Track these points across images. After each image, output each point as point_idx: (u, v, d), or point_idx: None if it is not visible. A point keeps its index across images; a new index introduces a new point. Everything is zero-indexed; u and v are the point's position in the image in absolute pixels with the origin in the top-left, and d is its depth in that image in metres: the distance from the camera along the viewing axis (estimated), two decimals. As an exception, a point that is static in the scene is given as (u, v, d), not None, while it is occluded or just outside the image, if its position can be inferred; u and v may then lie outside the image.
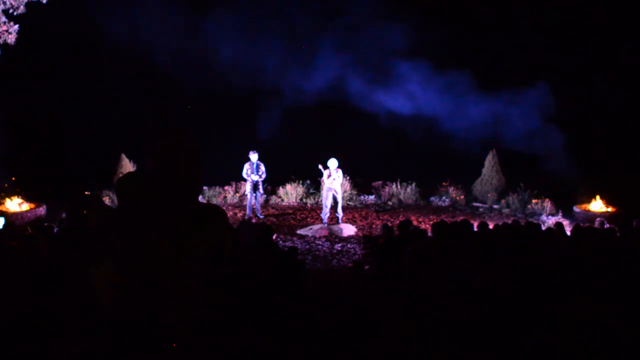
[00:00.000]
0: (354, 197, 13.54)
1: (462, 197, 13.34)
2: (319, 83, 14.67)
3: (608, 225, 8.42)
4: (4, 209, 11.02)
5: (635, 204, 10.43)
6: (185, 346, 2.13)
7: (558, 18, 14.38)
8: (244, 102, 16.54)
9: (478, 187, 13.43)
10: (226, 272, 2.24)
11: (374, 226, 11.08)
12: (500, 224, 8.19)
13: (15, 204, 11.22)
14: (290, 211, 12.70)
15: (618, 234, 7.18)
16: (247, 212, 11.49)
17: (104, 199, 12.27)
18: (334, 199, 10.62)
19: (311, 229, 10.62)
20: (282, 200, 13.65)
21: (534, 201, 12.04)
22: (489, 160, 13.37)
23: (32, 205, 11.44)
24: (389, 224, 10.52)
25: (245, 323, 3.52)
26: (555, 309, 3.92)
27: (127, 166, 13.24)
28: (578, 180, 12.01)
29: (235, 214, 12.21)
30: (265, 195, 13.18)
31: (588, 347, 3.47)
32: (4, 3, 9.15)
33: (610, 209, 11.29)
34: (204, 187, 13.42)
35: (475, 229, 7.78)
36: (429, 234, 7.95)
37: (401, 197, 13.66)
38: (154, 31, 13.71)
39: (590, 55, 14.58)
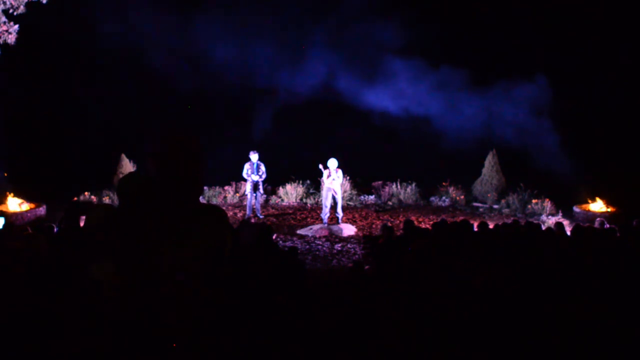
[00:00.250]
0: (354, 197, 13.55)
1: (462, 197, 13.34)
2: (319, 83, 14.68)
3: (608, 225, 8.42)
4: (4, 209, 11.02)
5: (635, 204, 10.43)
6: (185, 346, 2.13)
7: (558, 18, 14.38)
8: (244, 102, 16.55)
9: (478, 187, 13.43)
10: (226, 272, 2.24)
11: (374, 226, 11.08)
12: (500, 224, 8.20)
13: (15, 204, 11.22)
14: (290, 211, 12.70)
15: (618, 234, 7.18)
16: (247, 212, 11.49)
17: (103, 198, 12.28)
18: (334, 199, 10.62)
19: (311, 229, 10.62)
20: (282, 200, 13.66)
21: (534, 201, 12.04)
22: (489, 160, 13.37)
23: (32, 205, 11.44)
24: (389, 224, 10.53)
25: (245, 323, 3.52)
26: (555, 309, 3.92)
27: (127, 166, 13.24)
28: (578, 180, 12.01)
29: (235, 214, 12.21)
30: (265, 195, 13.18)
31: (588, 347, 3.47)
32: (4, 3, 9.15)
33: (610, 209, 11.29)
34: (204, 187, 13.41)
35: (475, 229, 7.79)
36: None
37: (401, 197, 13.66)
38: (153, 31, 13.73)
39: (590, 55, 14.58)
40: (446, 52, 14.63)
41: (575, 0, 14.23)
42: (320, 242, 9.78)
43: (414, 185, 13.78)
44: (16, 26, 9.41)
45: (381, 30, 14.48)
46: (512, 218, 11.43)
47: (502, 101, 14.08)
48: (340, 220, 10.86)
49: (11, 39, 9.38)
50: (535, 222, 8.75)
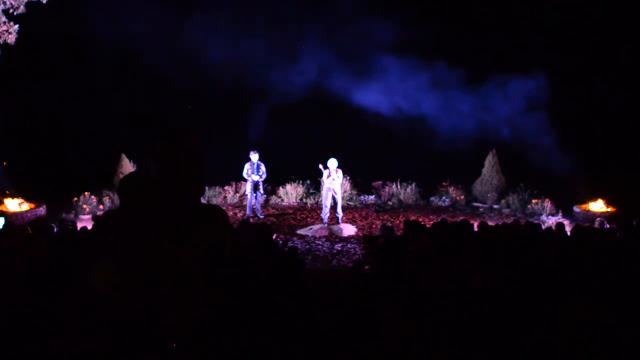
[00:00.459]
0: (354, 197, 13.55)
1: (462, 197, 13.35)
2: (319, 83, 14.68)
3: (608, 226, 8.43)
4: (4, 209, 11.02)
5: (635, 204, 10.43)
6: (185, 346, 2.13)
7: (558, 18, 14.38)
8: (245, 101, 16.55)
9: (478, 187, 13.43)
10: (226, 272, 2.24)
11: (374, 226, 11.08)
12: (500, 224, 8.21)
13: (15, 204, 11.23)
14: (290, 211, 12.70)
15: (618, 234, 7.18)
16: (247, 212, 11.49)
17: (103, 198, 12.28)
18: (334, 199, 10.62)
19: (311, 229, 10.62)
20: (282, 200, 13.66)
21: (534, 201, 12.04)
22: (489, 160, 13.37)
23: (32, 205, 11.44)
24: (389, 224, 10.54)
25: (245, 323, 3.52)
26: (555, 309, 3.92)
27: (127, 166, 13.24)
28: (578, 180, 12.01)
29: (235, 214, 12.21)
30: (265, 195, 13.18)
31: (588, 347, 3.47)
32: (4, 3, 9.15)
33: (610, 209, 11.29)
34: (205, 188, 13.40)
35: (475, 229, 7.79)
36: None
37: (401, 197, 13.66)
38: (153, 31, 13.73)
39: (590, 55, 14.58)
40: (446, 52, 14.62)
41: (575, 0, 14.23)
42: (320, 242, 9.79)
43: (414, 185, 13.78)
44: (16, 26, 9.40)
45: (380, 29, 14.47)
46: (512, 218, 11.46)
47: (502, 101, 14.08)
48: (340, 220, 10.86)
49: (11, 39, 9.38)
50: (536, 222, 8.76)
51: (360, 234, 10.39)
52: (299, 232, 10.60)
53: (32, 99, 15.46)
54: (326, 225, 10.69)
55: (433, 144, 14.63)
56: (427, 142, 14.77)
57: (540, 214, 11.56)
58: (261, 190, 11.55)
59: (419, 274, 5.05)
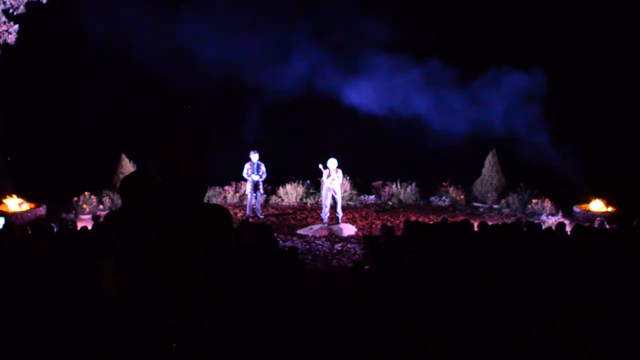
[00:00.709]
0: (354, 197, 13.55)
1: (462, 197, 13.35)
2: (319, 82, 14.67)
3: (608, 226, 8.43)
4: (4, 209, 11.02)
5: (635, 204, 10.43)
6: (185, 346, 2.13)
7: (558, 18, 14.38)
8: (244, 102, 16.54)
9: (478, 187, 13.43)
10: (226, 272, 2.24)
11: (374, 226, 11.08)
12: (500, 223, 8.21)
13: (15, 204, 11.23)
14: (290, 211, 12.70)
15: (618, 234, 7.18)
16: (247, 212, 11.49)
17: (103, 198, 12.28)
18: (333, 198, 10.62)
19: (311, 229, 10.62)
20: (282, 200, 13.66)
21: (534, 201, 12.05)
22: (489, 160, 13.37)
23: (32, 205, 11.44)
24: (389, 224, 10.54)
25: (245, 323, 3.52)
26: (555, 309, 3.92)
27: (127, 166, 13.24)
28: (578, 180, 12.01)
29: (235, 214, 12.21)
30: (265, 195, 13.18)
31: (588, 347, 3.47)
32: (4, 3, 9.15)
33: (610, 209, 11.29)
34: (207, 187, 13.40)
35: (475, 229, 7.79)
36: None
37: (401, 197, 13.66)
38: (153, 32, 13.72)
39: (590, 55, 14.57)
40: (446, 52, 14.62)
41: (575, 0, 14.23)
42: (320, 242, 9.79)
43: (414, 185, 13.78)
44: (16, 26, 9.40)
45: (380, 29, 14.47)
46: (512, 218, 11.46)
47: (502, 101, 14.07)
48: (340, 220, 10.86)
49: (11, 39, 9.37)
50: (536, 222, 8.76)
51: (360, 234, 10.39)
52: (299, 232, 10.60)
53: (32, 99, 15.46)
54: (326, 225, 10.69)
55: (433, 144, 14.63)
56: (427, 142, 14.76)
57: (540, 214, 11.57)
58: (261, 190, 11.55)
59: (419, 274, 5.05)
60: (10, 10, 9.25)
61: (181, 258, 2.13)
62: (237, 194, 13.75)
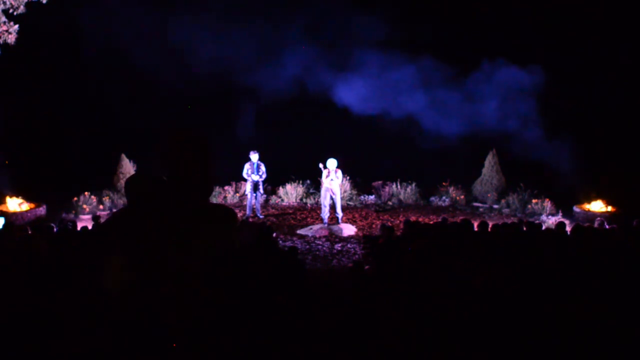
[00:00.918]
0: (354, 197, 13.55)
1: (462, 197, 13.35)
2: (318, 82, 14.66)
3: (608, 226, 8.42)
4: (4, 209, 11.02)
5: (635, 204, 10.42)
6: (185, 346, 2.13)
7: (558, 18, 14.37)
8: (245, 101, 16.54)
9: (478, 187, 13.43)
10: (226, 272, 2.24)
11: (374, 226, 11.07)
12: (500, 223, 8.21)
13: (15, 204, 11.23)
14: (290, 211, 12.70)
15: (618, 234, 7.18)
16: (247, 212, 11.49)
17: (103, 198, 12.28)
18: (332, 199, 10.61)
19: (311, 229, 10.62)
20: (282, 200, 13.66)
21: (534, 201, 12.05)
22: (489, 160, 13.37)
23: (32, 205, 11.44)
24: (389, 223, 10.53)
25: (245, 323, 3.52)
26: (555, 309, 3.92)
27: (127, 166, 13.24)
28: (578, 180, 12.00)
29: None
30: (265, 195, 13.18)
31: (588, 347, 3.47)
32: (4, 3, 9.15)
33: (610, 209, 11.29)
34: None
35: (476, 229, 7.79)
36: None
37: (401, 197, 13.66)
38: (153, 32, 13.73)
39: (590, 55, 14.57)
40: (446, 52, 14.62)
41: (575, 0, 14.23)
42: (320, 242, 9.79)
43: (414, 185, 13.78)
44: (16, 26, 9.40)
45: (381, 28, 14.46)
46: (512, 218, 11.46)
47: (502, 101, 14.07)
48: (340, 220, 10.86)
49: (11, 39, 9.37)
50: (536, 222, 8.76)
51: (360, 234, 10.39)
52: (299, 232, 10.60)
53: (32, 99, 15.45)
54: (326, 225, 10.69)
55: (433, 144, 14.63)
56: (427, 142, 14.76)
57: (540, 214, 11.57)
58: (261, 190, 11.55)
59: (419, 274, 5.05)
60: (10, 10, 9.24)
61: (184, 258, 2.13)
62: (237, 194, 13.75)
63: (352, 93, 14.47)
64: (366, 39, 14.69)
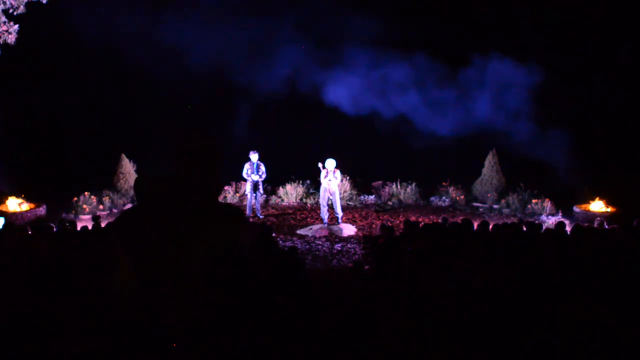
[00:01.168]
0: (354, 197, 13.54)
1: (462, 197, 13.34)
2: (320, 82, 14.67)
3: (607, 226, 8.42)
4: (4, 209, 11.02)
5: (635, 204, 10.42)
6: (185, 346, 2.13)
7: (558, 18, 14.37)
8: (244, 102, 16.54)
9: (478, 187, 13.43)
10: (226, 272, 2.24)
11: (374, 226, 11.07)
12: (500, 223, 8.21)
13: (15, 204, 11.23)
14: (290, 211, 12.70)
15: (618, 234, 7.18)
16: (247, 212, 11.49)
17: (104, 198, 12.28)
18: (331, 199, 10.61)
19: (311, 229, 10.62)
20: (282, 200, 13.66)
21: (534, 201, 12.04)
22: (489, 160, 13.37)
23: (32, 205, 11.44)
24: (389, 223, 10.53)
25: (245, 323, 3.52)
26: (555, 309, 3.92)
27: (127, 166, 13.25)
28: (578, 180, 12.00)
29: (235, 214, 12.19)
30: (265, 195, 13.18)
31: (588, 347, 3.47)
32: (4, 3, 9.15)
33: (610, 209, 11.29)
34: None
35: (476, 229, 7.79)
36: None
37: (401, 197, 13.66)
38: (153, 32, 13.72)
39: (590, 55, 14.57)
40: (446, 52, 14.62)
41: (575, 0, 14.22)
42: (320, 242, 9.79)
43: (414, 185, 13.78)
44: (16, 26, 9.40)
45: (381, 28, 14.46)
46: (512, 218, 11.46)
47: (501, 101, 14.07)
48: (340, 220, 10.86)
49: (11, 39, 9.37)
50: (536, 222, 8.76)
51: (360, 234, 10.38)
52: (299, 232, 10.60)
53: (32, 99, 15.45)
54: (326, 225, 10.69)
55: (433, 144, 14.63)
56: (427, 141, 14.76)
57: (540, 214, 11.56)
58: (261, 190, 11.55)
59: (419, 274, 5.05)
60: (10, 10, 9.25)
61: (192, 257, 2.13)
62: (237, 194, 13.75)
63: (352, 93, 14.48)
64: (366, 37, 14.69)
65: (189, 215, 2.18)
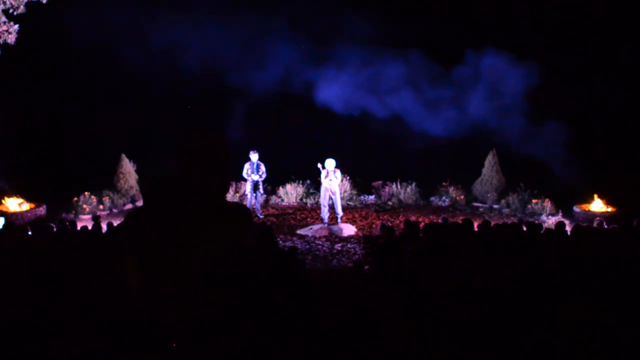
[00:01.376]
0: (354, 197, 13.54)
1: (462, 197, 13.34)
2: (320, 82, 14.67)
3: (606, 225, 8.43)
4: (4, 209, 11.02)
5: (635, 204, 10.42)
6: (185, 346, 2.13)
7: (558, 18, 14.37)
8: (245, 102, 16.55)
9: (478, 187, 13.43)
10: (227, 272, 2.24)
11: (374, 226, 11.07)
12: (500, 223, 8.21)
13: (15, 204, 11.23)
14: (290, 211, 12.70)
15: (618, 234, 7.18)
16: (247, 212, 11.48)
17: (104, 198, 12.28)
18: (331, 199, 10.61)
19: (311, 229, 10.62)
20: (282, 200, 13.66)
21: (534, 201, 12.04)
22: (489, 160, 13.37)
23: (32, 205, 11.44)
24: (389, 223, 10.53)
25: (245, 323, 3.52)
26: (555, 309, 3.92)
27: (127, 166, 13.24)
28: (578, 180, 12.00)
29: (235, 214, 12.19)
30: (265, 195, 13.18)
31: (588, 347, 3.47)
32: (4, 3, 9.15)
33: (610, 209, 11.29)
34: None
35: (476, 229, 7.79)
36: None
37: (401, 197, 13.66)
38: (153, 32, 13.73)
39: (590, 55, 14.57)
40: (446, 52, 14.62)
41: (575, 0, 14.22)
42: (320, 242, 9.78)
43: (414, 185, 13.77)
44: (16, 26, 9.40)
45: (382, 28, 14.47)
46: (512, 218, 11.46)
47: (502, 101, 14.07)
48: (340, 220, 10.86)
49: (11, 39, 9.37)
50: (536, 222, 8.76)
51: (360, 234, 10.38)
52: (299, 232, 10.60)
53: (32, 99, 15.45)
54: (326, 225, 10.69)
55: (433, 144, 14.63)
56: (427, 142, 14.76)
57: (540, 214, 11.56)
58: (261, 190, 11.55)
59: (419, 274, 5.05)
60: (10, 10, 9.24)
61: (190, 257, 2.13)
62: (237, 194, 13.75)
63: (352, 93, 14.48)
64: (366, 36, 14.70)
65: (189, 215, 2.17)
